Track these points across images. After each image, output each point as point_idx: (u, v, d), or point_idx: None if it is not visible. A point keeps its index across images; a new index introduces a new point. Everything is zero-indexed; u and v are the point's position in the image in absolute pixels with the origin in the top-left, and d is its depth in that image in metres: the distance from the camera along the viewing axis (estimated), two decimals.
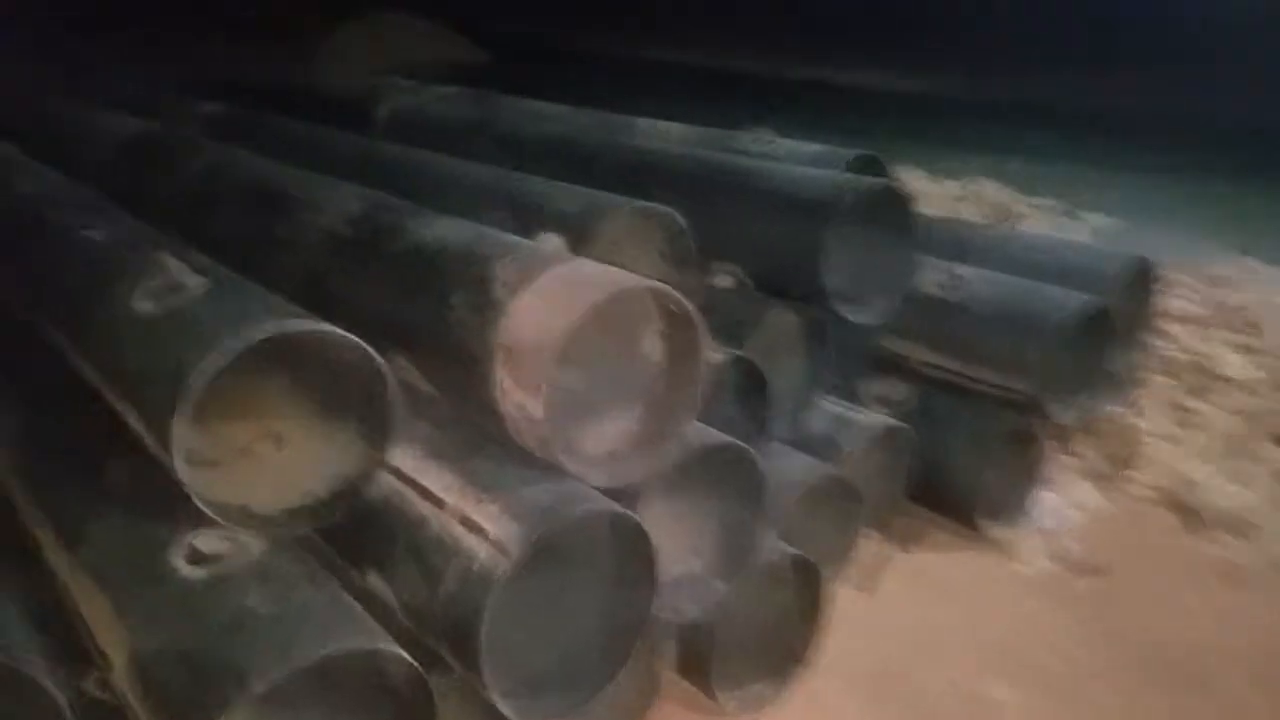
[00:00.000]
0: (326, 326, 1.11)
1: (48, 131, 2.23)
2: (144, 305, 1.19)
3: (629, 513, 1.14)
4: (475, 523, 1.08)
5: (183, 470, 1.04)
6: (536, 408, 1.09)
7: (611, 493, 1.17)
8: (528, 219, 1.51)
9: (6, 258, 1.50)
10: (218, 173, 1.77)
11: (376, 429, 1.17)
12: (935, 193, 3.76)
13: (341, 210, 1.47)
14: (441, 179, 1.71)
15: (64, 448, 1.30)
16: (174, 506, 1.06)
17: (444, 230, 1.33)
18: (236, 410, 1.30)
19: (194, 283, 1.22)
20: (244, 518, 1.11)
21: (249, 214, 1.62)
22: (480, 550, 1.05)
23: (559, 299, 1.12)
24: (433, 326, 1.24)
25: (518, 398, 1.11)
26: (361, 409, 1.18)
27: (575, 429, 1.23)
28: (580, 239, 1.47)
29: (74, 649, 1.10)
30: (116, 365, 1.18)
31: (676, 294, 1.18)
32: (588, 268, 1.18)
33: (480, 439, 1.22)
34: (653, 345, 1.29)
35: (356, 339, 1.12)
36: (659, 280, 1.57)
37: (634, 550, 1.18)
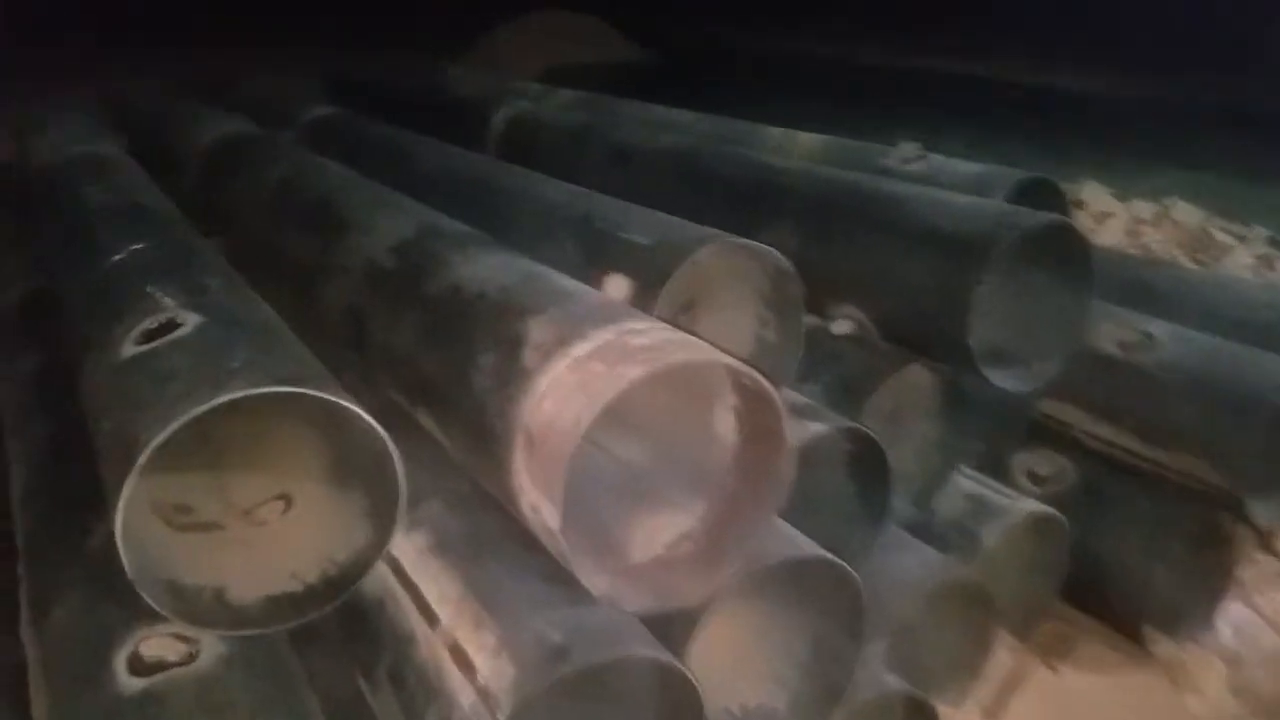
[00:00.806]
0: (316, 392, 0.92)
1: (157, 131, 2.19)
2: (129, 348, 1.04)
3: (671, 660, 0.89)
4: (466, 656, 0.86)
5: (125, 552, 0.87)
6: (553, 515, 0.85)
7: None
8: (597, 253, 1.27)
9: (53, 283, 1.41)
10: (290, 184, 1.63)
11: (382, 508, 0.98)
12: (1120, 215, 3.23)
13: (391, 236, 1.28)
14: (515, 198, 1.50)
15: (63, 500, 1.18)
16: None
17: (487, 269, 1.11)
18: (250, 459, 1.17)
19: (190, 322, 1.06)
20: (214, 608, 0.94)
21: (309, 232, 1.47)
22: (464, 697, 0.83)
23: (592, 375, 0.87)
24: (457, 388, 1.03)
25: (533, 498, 0.88)
26: (369, 480, 0.99)
27: (615, 530, 0.98)
28: (657, 279, 1.21)
29: None
30: (94, 414, 1.03)
31: (749, 370, 0.91)
32: (638, 333, 0.93)
33: (498, 532, 1.00)
34: (724, 424, 1.02)
35: (354, 408, 0.93)
36: (754, 325, 1.33)
37: (679, 705, 0.92)
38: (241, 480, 1.17)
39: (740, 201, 1.61)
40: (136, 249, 1.33)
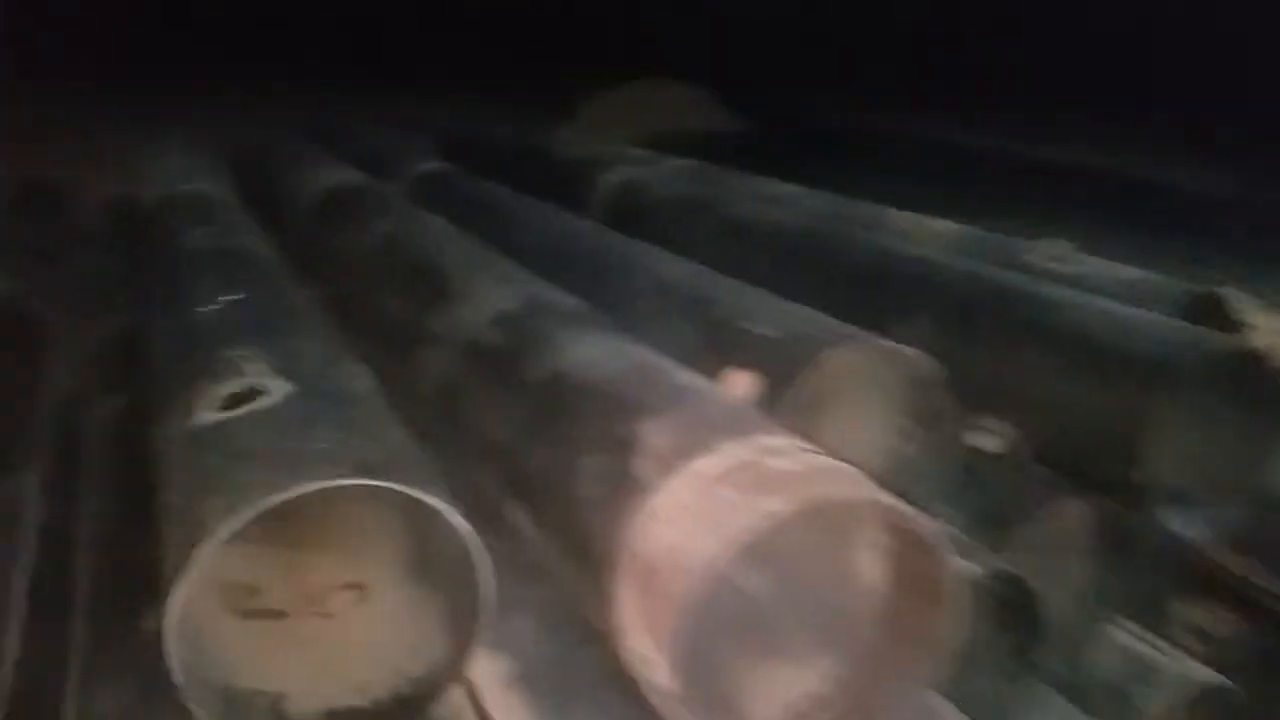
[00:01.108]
0: (401, 486, 0.80)
1: (267, 175, 2.17)
2: (207, 414, 0.94)
3: None
4: None
5: (175, 654, 0.75)
6: (663, 671, 0.70)
7: None
8: (716, 342, 1.14)
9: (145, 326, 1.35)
10: (393, 240, 1.55)
11: (465, 618, 0.85)
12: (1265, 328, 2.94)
13: (493, 307, 1.17)
14: (627, 272, 1.38)
15: (129, 565, 1.08)
16: None
17: (596, 354, 0.99)
18: (326, 538, 1.07)
19: (276, 391, 0.95)
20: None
21: (408, 294, 1.38)
22: None
23: (722, 503, 0.73)
24: (556, 491, 0.90)
25: (642, 646, 0.73)
26: (451, 581, 0.87)
27: (724, 678, 0.83)
28: (785, 379, 1.07)
29: None
30: (163, 482, 0.93)
31: (910, 513, 0.75)
32: (777, 452, 0.78)
33: (596, 668, 0.86)
34: (867, 565, 0.86)
35: (442, 506, 0.80)
36: (888, 437, 1.18)
37: None
38: (315, 562, 1.08)
39: (867, 291, 1.46)
40: (231, 300, 1.25)
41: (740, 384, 1.02)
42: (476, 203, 1.95)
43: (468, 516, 0.83)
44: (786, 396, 1.02)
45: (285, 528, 1.04)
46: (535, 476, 0.94)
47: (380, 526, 1.03)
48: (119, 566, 1.13)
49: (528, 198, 1.94)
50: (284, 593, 1.05)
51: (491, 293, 1.21)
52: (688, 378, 0.94)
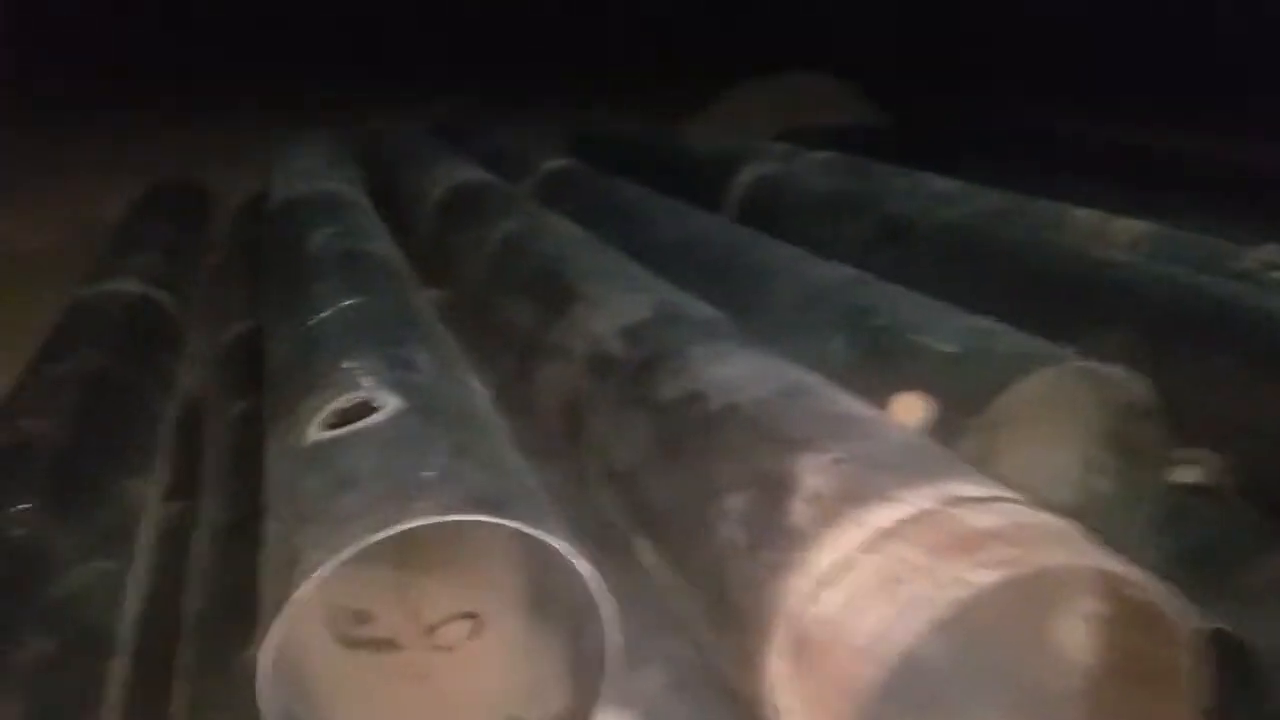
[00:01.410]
0: (515, 523, 0.69)
1: (395, 173, 2.13)
2: (315, 431, 0.86)
3: None
4: None
5: (267, 699, 0.67)
6: None
7: None
8: (879, 358, 0.98)
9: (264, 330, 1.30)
10: (517, 241, 1.46)
11: (587, 665, 0.74)
12: None
13: (623, 315, 1.06)
14: (771, 276, 1.23)
15: (233, 591, 1.02)
16: None
17: (740, 373, 0.85)
18: (443, 562, 0.99)
19: (388, 407, 0.86)
20: None
21: (531, 299, 1.28)
22: None
23: (907, 567, 0.58)
24: (693, 531, 0.77)
25: None
26: (573, 619, 0.77)
27: None
28: (968, 405, 0.90)
29: None
30: (268, 503, 0.86)
31: (1149, 584, 0.59)
32: (974, 504, 0.63)
33: None
34: (1071, 636, 0.70)
35: (561, 546, 0.69)
36: (1077, 468, 1.01)
37: None
38: (428, 586, 0.99)
39: (1053, 300, 1.27)
40: (347, 305, 1.18)
41: (913, 411, 0.86)
42: (605, 201, 1.84)
43: (591, 553, 0.72)
44: (971, 426, 0.86)
45: (398, 546, 0.97)
46: (668, 512, 0.82)
47: (498, 551, 0.94)
48: (230, 583, 1.08)
49: (659, 195, 1.83)
50: (395, 620, 0.98)
51: (620, 300, 1.10)
52: (850, 403, 0.80)
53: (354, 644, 0.95)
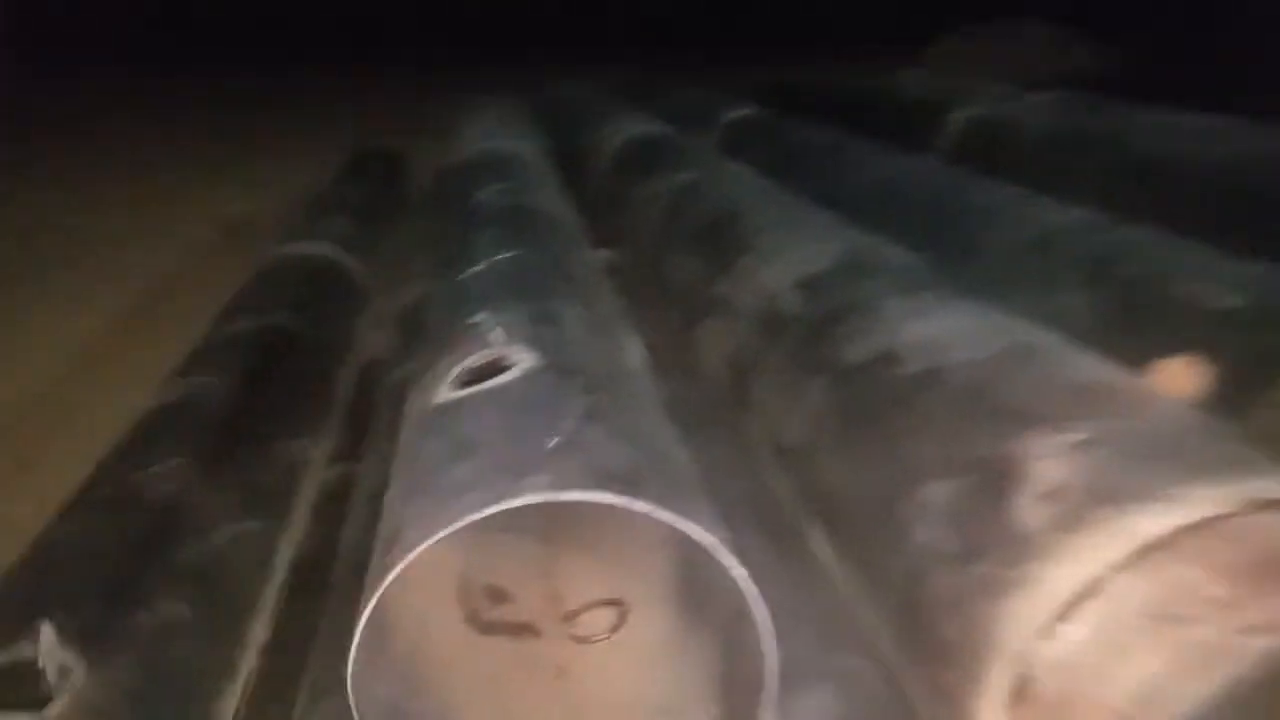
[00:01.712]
0: (647, 507, 0.57)
1: (574, 131, 2.05)
2: (445, 390, 0.77)
3: None
4: None
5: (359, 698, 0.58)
6: None
7: None
8: (1133, 314, 0.77)
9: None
10: (689, 192, 1.33)
11: (742, 679, 0.62)
12: None
13: (800, 266, 0.90)
14: (990, 220, 1.03)
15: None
16: None
17: (948, 330, 0.68)
18: (591, 540, 0.88)
19: (521, 364, 0.76)
20: None
21: (698, 252, 1.15)
22: None
23: (1184, 594, 0.40)
24: (880, 526, 0.61)
25: None
26: (726, 618, 0.65)
27: None
28: (1252, 372, 0.68)
29: None
30: (392, 474, 0.78)
31: None
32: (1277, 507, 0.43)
33: None
34: None
35: (708, 539, 0.56)
36: None
37: None
38: (574, 567, 0.89)
39: None
40: (501, 258, 1.09)
41: (1181, 380, 0.65)
42: (793, 148, 1.67)
43: (752, 540, 0.58)
44: (1262, 401, 0.64)
45: (540, 517, 0.87)
46: (849, 499, 0.66)
47: (647, 533, 0.82)
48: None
49: (855, 138, 1.63)
50: (534, 602, 0.88)
51: (798, 249, 0.94)
52: (1098, 369, 0.60)
53: (487, 628, 0.86)
